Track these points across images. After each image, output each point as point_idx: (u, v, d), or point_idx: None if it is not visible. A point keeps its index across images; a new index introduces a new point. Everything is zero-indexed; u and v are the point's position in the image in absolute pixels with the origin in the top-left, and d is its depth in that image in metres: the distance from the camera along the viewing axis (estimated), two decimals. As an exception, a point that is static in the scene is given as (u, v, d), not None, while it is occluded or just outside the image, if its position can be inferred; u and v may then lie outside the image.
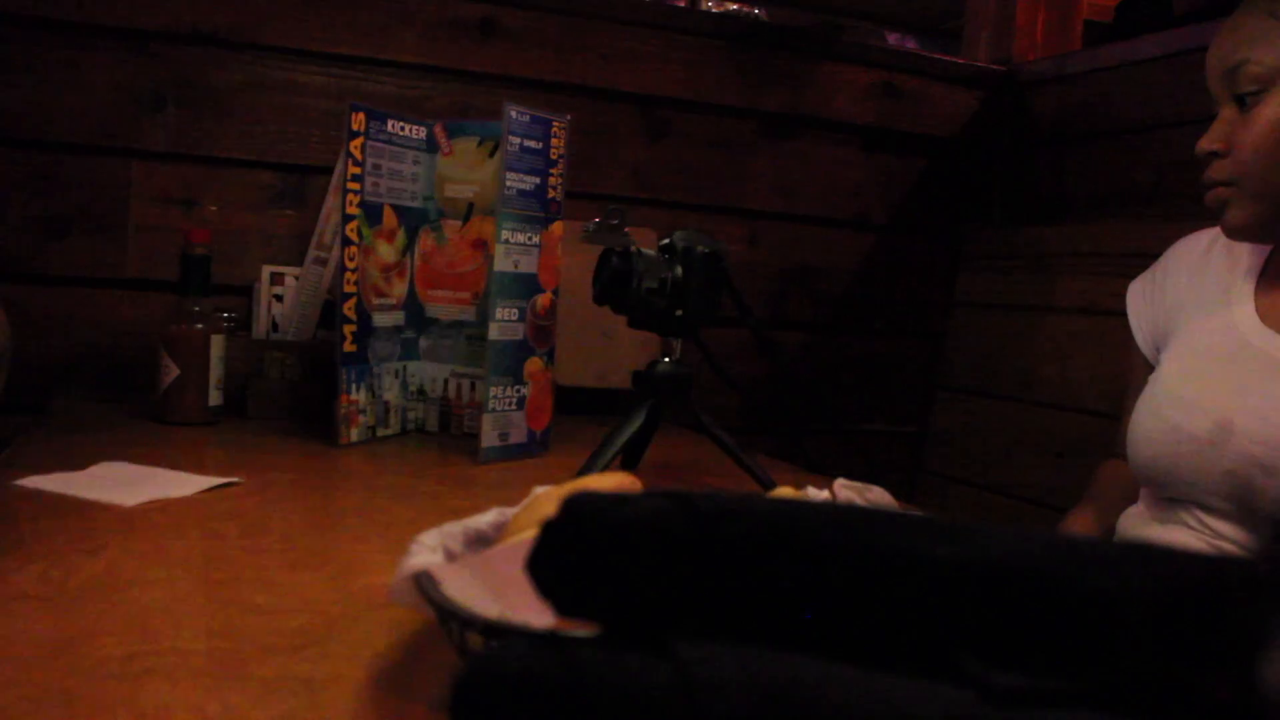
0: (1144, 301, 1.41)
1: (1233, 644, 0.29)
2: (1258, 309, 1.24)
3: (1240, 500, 1.16)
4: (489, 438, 1.42)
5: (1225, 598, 0.32)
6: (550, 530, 0.45)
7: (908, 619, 0.40)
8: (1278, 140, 1.16)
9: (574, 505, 0.45)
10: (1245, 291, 1.26)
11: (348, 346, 1.47)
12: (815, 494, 0.90)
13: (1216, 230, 1.34)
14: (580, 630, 0.45)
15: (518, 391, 1.46)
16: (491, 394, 1.42)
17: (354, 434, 1.49)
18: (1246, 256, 1.29)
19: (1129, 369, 1.43)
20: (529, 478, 1.03)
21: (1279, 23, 1.15)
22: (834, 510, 0.45)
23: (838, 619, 0.41)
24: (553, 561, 0.44)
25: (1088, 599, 0.36)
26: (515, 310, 1.44)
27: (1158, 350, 1.37)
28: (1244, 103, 1.18)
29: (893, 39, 3.15)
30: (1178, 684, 0.32)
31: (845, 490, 0.91)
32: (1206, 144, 1.21)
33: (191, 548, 0.94)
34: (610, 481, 0.80)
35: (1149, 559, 0.36)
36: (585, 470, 1.27)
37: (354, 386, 1.49)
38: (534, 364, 1.49)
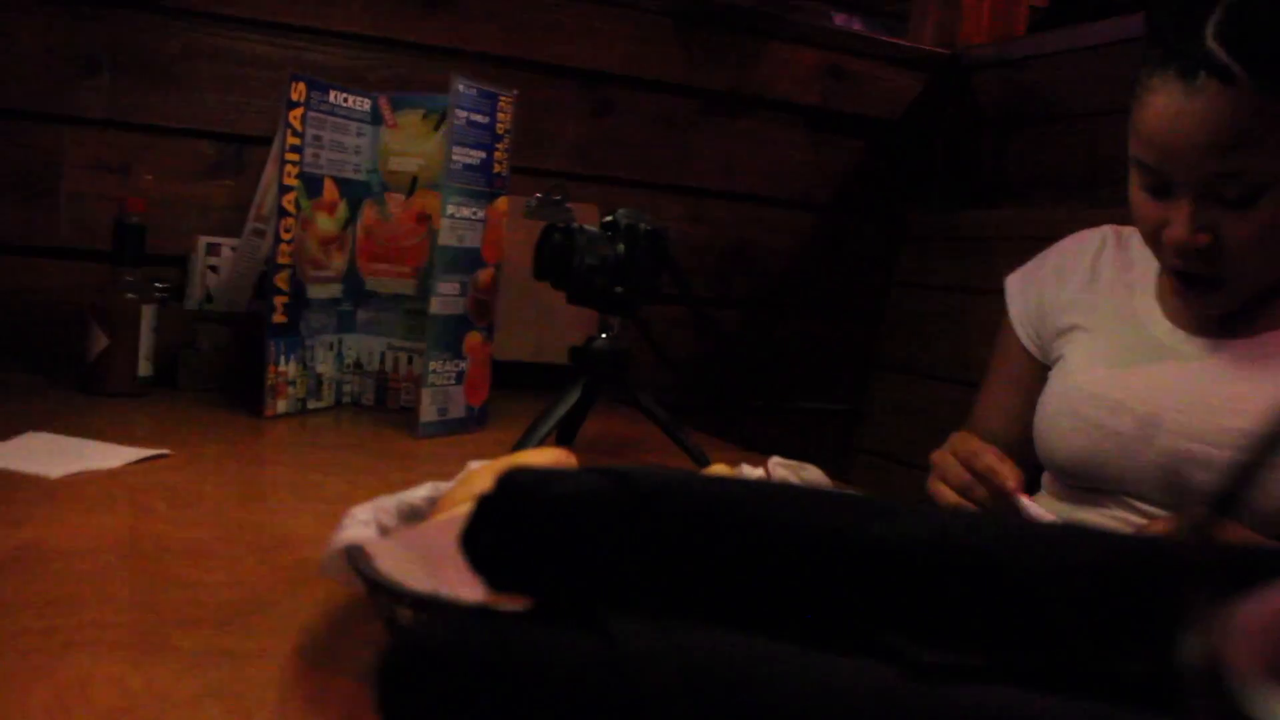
0: (1028, 297, 1.41)
1: (1155, 622, 0.30)
2: (1162, 308, 1.26)
3: (1173, 489, 1.18)
4: (428, 412, 1.41)
5: (1148, 577, 0.32)
6: (484, 505, 0.44)
7: (839, 596, 0.40)
8: (1276, 238, 1.09)
9: (508, 480, 0.44)
10: (1148, 291, 1.28)
11: (278, 318, 1.45)
12: (750, 472, 0.90)
13: (1105, 230, 1.38)
14: (512, 605, 0.45)
15: (457, 366, 1.45)
16: (431, 368, 1.41)
17: (281, 406, 1.47)
18: (1140, 258, 1.31)
19: (1000, 354, 1.45)
20: (465, 452, 1.02)
21: (1272, 121, 1.02)
22: (767, 488, 0.45)
23: (769, 595, 0.41)
24: (486, 536, 0.44)
25: (1016, 578, 0.36)
26: (457, 285, 1.43)
27: (1040, 344, 1.39)
28: (1227, 194, 1.08)
29: (840, 19, 3.15)
30: (1101, 660, 0.32)
31: (780, 468, 0.91)
32: (1199, 239, 1.09)
33: (118, 520, 0.92)
34: (545, 457, 0.79)
35: (1078, 540, 0.36)
36: (521, 445, 1.27)
37: (283, 358, 1.47)
38: (473, 339, 1.48)
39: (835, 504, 0.42)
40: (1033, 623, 0.35)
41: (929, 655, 0.38)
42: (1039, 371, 1.38)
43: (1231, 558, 0.25)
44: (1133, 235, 1.35)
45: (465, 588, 0.52)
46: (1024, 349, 1.40)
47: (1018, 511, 1.15)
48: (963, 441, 1.23)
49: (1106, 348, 1.28)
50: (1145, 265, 1.30)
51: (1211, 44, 1.03)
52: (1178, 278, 1.17)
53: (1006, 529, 0.38)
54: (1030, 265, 1.44)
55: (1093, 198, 2.02)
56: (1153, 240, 1.17)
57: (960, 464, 1.20)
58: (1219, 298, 1.16)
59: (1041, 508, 1.16)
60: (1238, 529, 1.06)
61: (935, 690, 0.37)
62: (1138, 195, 1.16)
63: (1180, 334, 1.23)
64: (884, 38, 2.43)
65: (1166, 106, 1.07)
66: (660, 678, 0.37)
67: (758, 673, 0.37)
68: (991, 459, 1.18)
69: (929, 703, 0.36)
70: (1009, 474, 1.16)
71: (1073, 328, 1.34)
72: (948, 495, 1.21)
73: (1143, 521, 1.22)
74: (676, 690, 0.37)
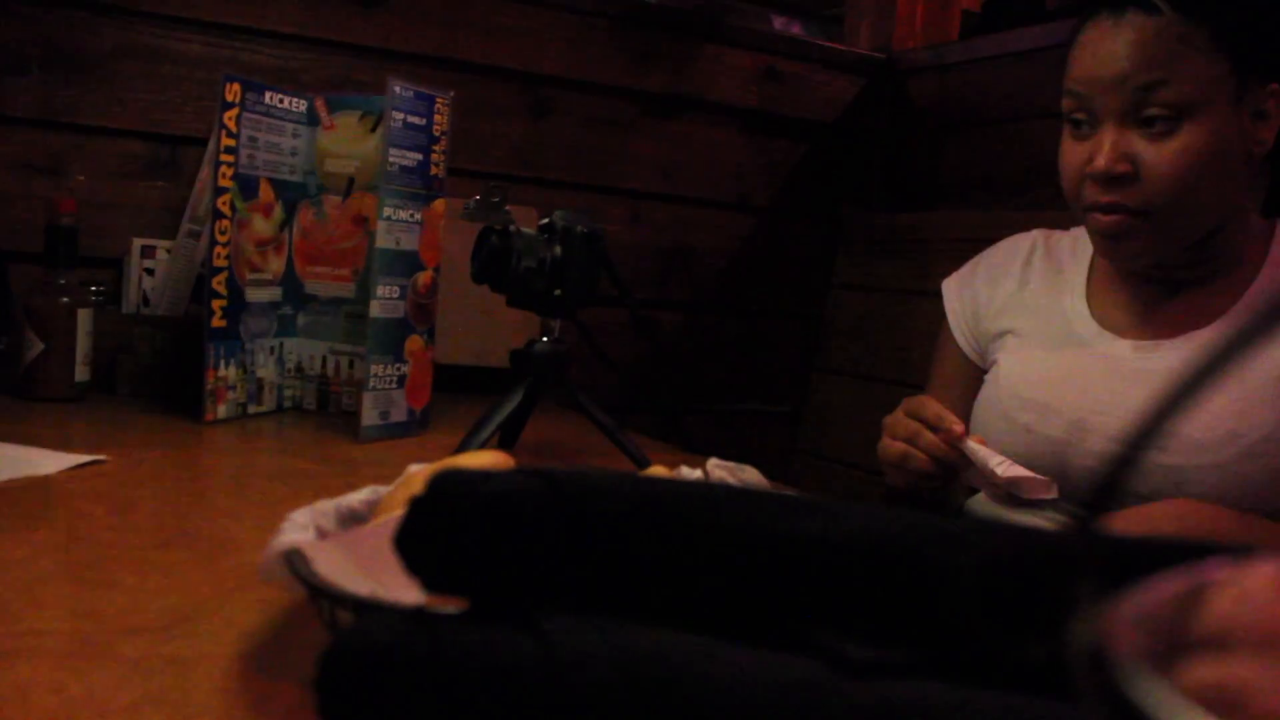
0: (963, 301, 1.43)
1: (1046, 611, 0.31)
2: (1090, 311, 1.29)
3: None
4: (369, 416, 1.41)
5: (1039, 569, 0.34)
6: (417, 506, 0.45)
7: (767, 592, 0.41)
8: (1193, 173, 1.12)
9: (440, 482, 0.45)
10: (1077, 295, 1.31)
11: (216, 322, 1.44)
12: (688, 473, 0.91)
13: (1035, 235, 1.40)
14: (449, 606, 0.46)
15: (398, 369, 1.45)
16: (372, 372, 1.41)
17: (221, 410, 1.46)
18: (1069, 261, 1.34)
19: (940, 358, 1.47)
20: (407, 456, 1.02)
21: (1193, 50, 1.11)
22: (694, 488, 0.46)
23: (699, 593, 0.42)
24: (419, 537, 0.44)
25: (925, 573, 0.37)
26: (396, 288, 1.43)
27: (977, 348, 1.41)
28: (1149, 124, 1.12)
29: (779, 23, 3.18)
30: (1001, 650, 0.33)
31: (718, 470, 0.92)
32: (1115, 165, 1.14)
33: (55, 527, 0.92)
34: (483, 460, 0.80)
35: (979, 535, 0.38)
36: (462, 448, 1.27)
37: (223, 362, 1.46)
38: (414, 342, 1.48)
39: (761, 502, 0.43)
40: (947, 616, 0.37)
41: (854, 650, 0.39)
42: (978, 375, 1.40)
43: (1115, 551, 0.26)
44: (1062, 238, 1.38)
45: (404, 590, 0.52)
46: (962, 353, 1.42)
47: (965, 455, 1.16)
48: (912, 399, 1.24)
49: (1036, 352, 1.31)
50: (1074, 268, 1.33)
51: None
52: (1102, 227, 1.19)
53: (923, 526, 0.40)
54: (964, 270, 1.46)
55: (1026, 200, 2.06)
56: (1077, 187, 1.19)
57: (907, 415, 1.22)
58: (1139, 240, 1.17)
59: (992, 452, 1.16)
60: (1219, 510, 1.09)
61: (861, 684, 0.38)
62: (1066, 144, 1.21)
63: (1108, 336, 1.26)
64: (819, 41, 2.46)
65: (1096, 40, 1.16)
66: (593, 675, 0.38)
67: (687, 669, 0.38)
68: (939, 407, 1.20)
69: (854, 696, 0.38)
70: (956, 420, 1.18)
71: (1005, 332, 1.36)
72: (895, 448, 1.22)
73: None
74: (609, 687, 0.38)
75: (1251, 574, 0.26)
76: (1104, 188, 1.16)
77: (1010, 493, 1.17)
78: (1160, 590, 0.26)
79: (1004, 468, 1.14)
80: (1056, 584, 0.29)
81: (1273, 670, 0.22)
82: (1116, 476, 0.22)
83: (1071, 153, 1.20)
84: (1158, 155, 1.12)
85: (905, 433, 1.21)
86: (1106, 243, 1.21)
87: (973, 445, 1.16)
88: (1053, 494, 1.16)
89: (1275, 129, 1.16)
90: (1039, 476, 1.15)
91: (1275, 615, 0.24)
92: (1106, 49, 1.14)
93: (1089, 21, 1.17)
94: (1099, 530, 0.23)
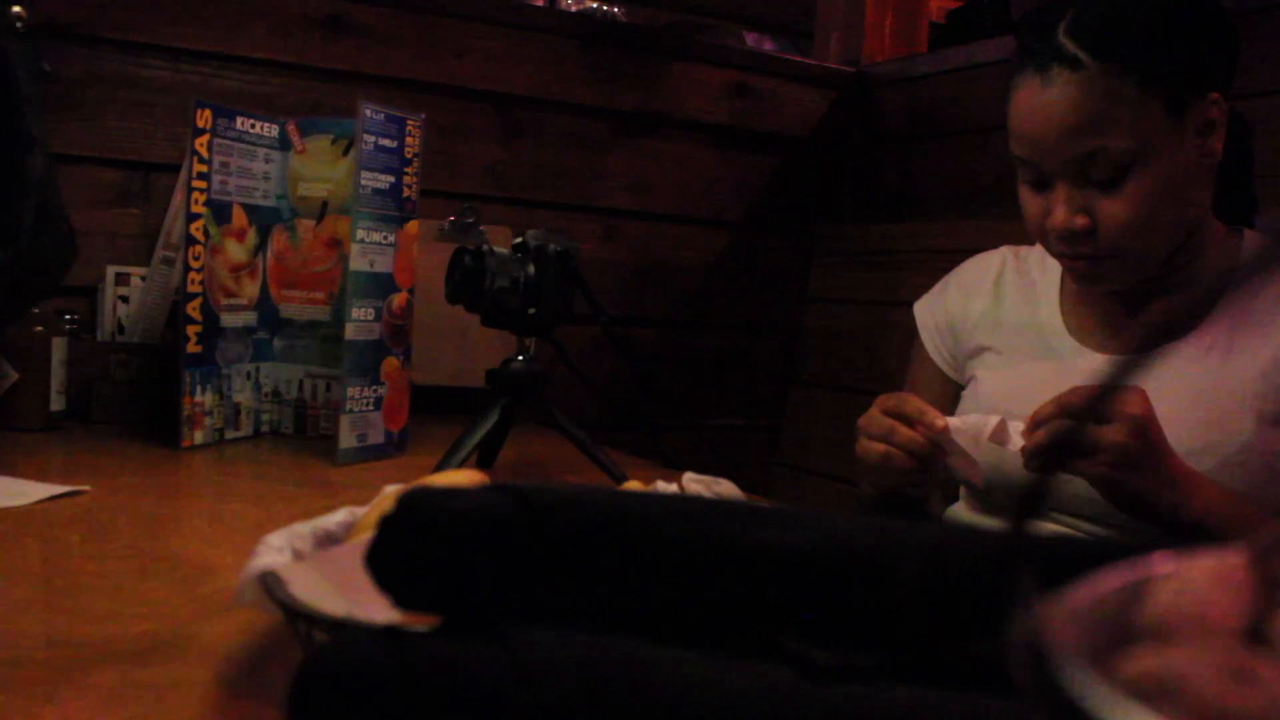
0: (938, 318, 1.43)
1: (991, 610, 0.32)
2: (1065, 325, 1.30)
3: (1087, 504, 1.20)
4: (346, 439, 1.41)
5: (981, 569, 0.34)
6: (386, 525, 0.45)
7: (732, 601, 0.42)
8: (1151, 213, 1.13)
9: (409, 500, 0.45)
10: (1051, 310, 1.32)
11: (192, 347, 1.44)
12: (665, 487, 0.92)
13: (1004, 251, 1.41)
14: (421, 624, 0.46)
15: (375, 392, 1.45)
16: (349, 394, 1.41)
17: (198, 437, 1.46)
18: (1040, 277, 1.35)
19: (912, 377, 1.47)
20: (385, 478, 1.02)
21: (1124, 102, 1.10)
22: (662, 500, 0.46)
23: (664, 603, 0.43)
24: (389, 556, 0.45)
25: (874, 578, 0.38)
26: (371, 310, 1.44)
27: (955, 364, 1.41)
28: (1097, 179, 1.13)
29: (751, 39, 3.20)
30: (947, 651, 0.34)
31: (694, 484, 0.93)
32: (1077, 222, 1.14)
33: (31, 557, 0.92)
34: (460, 478, 0.80)
35: (924, 536, 0.39)
36: (440, 469, 1.27)
37: (199, 388, 1.46)
38: (391, 364, 1.48)
39: (725, 513, 0.44)
40: (895, 618, 0.37)
41: (820, 656, 0.40)
42: (954, 390, 1.39)
43: (1050, 551, 0.27)
44: (1030, 254, 1.39)
45: (380, 609, 0.53)
46: (939, 370, 1.42)
47: (945, 447, 1.13)
48: (889, 396, 1.20)
49: (1014, 366, 1.31)
50: (1047, 283, 1.34)
51: (1062, 39, 1.12)
52: (1071, 267, 1.20)
53: (876, 529, 0.41)
54: (935, 289, 1.46)
55: (997, 210, 2.08)
56: (1040, 234, 1.21)
57: (884, 413, 1.17)
58: (1111, 275, 1.19)
59: (968, 419, 1.14)
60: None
61: (825, 689, 0.39)
62: (1024, 192, 1.21)
63: (1085, 351, 1.26)
64: (788, 56, 2.48)
65: (1028, 99, 1.15)
66: (562, 687, 0.39)
67: (657, 678, 0.39)
68: (919, 402, 1.16)
69: (818, 701, 0.38)
70: (937, 415, 1.14)
71: (982, 348, 1.36)
72: (875, 450, 1.17)
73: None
74: (579, 698, 0.38)
75: (1193, 567, 0.27)
76: (1067, 242, 1.17)
77: (998, 442, 1.13)
78: (1104, 585, 0.26)
79: (989, 429, 1.10)
80: (997, 583, 0.30)
81: (1208, 659, 0.23)
82: (1046, 479, 0.23)
83: (1030, 201, 1.20)
84: (1113, 206, 1.13)
85: (880, 430, 1.17)
86: (1078, 279, 1.23)
87: (954, 424, 1.13)
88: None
89: (1224, 136, 1.16)
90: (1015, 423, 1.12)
91: (1213, 606, 0.25)
92: (1040, 113, 1.14)
93: (1019, 76, 1.16)
94: (1029, 532, 0.23)
